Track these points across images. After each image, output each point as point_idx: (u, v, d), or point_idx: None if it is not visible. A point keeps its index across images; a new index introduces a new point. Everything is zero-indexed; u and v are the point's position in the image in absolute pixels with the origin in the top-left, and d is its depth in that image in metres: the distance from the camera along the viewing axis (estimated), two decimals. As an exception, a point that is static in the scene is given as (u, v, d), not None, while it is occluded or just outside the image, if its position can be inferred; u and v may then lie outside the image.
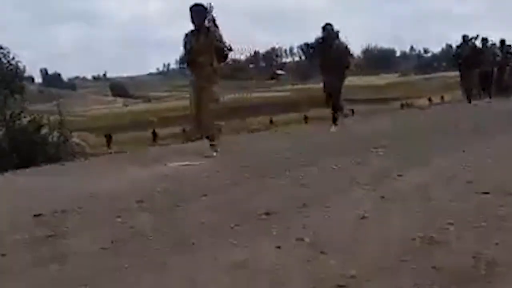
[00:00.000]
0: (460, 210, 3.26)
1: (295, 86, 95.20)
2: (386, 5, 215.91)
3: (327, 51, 9.54)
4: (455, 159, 5.09)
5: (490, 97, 15.90)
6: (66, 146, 15.98)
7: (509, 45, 17.03)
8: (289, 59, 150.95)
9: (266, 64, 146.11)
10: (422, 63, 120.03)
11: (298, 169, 5.02)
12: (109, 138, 30.53)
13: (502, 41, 16.87)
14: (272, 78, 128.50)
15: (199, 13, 6.66)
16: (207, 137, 6.83)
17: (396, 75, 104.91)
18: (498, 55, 16.41)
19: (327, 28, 9.52)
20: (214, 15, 6.77)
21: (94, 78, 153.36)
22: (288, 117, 35.44)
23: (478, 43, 15.80)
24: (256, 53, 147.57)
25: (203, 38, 6.68)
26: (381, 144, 6.30)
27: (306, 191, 4.10)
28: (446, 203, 3.48)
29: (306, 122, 26.29)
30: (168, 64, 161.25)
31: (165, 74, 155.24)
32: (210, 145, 6.71)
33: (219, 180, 4.80)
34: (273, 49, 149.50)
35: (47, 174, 6.36)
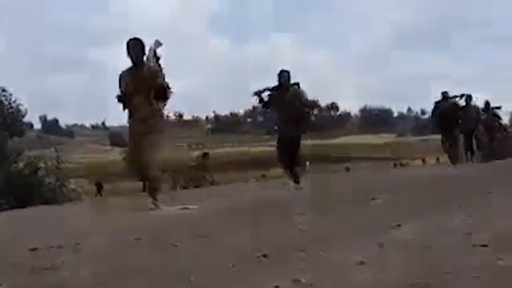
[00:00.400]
0: (458, 260, 3.26)
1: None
2: (385, 63, 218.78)
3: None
4: (453, 212, 5.09)
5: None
6: (62, 191, 15.98)
7: (497, 107, 16.62)
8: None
9: (264, 118, 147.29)
10: (419, 124, 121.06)
11: (295, 217, 5.03)
12: (99, 186, 30.13)
13: (487, 102, 16.40)
14: (269, 133, 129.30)
15: (135, 48, 6.03)
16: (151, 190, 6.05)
17: (394, 135, 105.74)
18: (482, 114, 15.62)
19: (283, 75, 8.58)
20: (159, 52, 6.25)
21: (92, 126, 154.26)
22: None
23: (461, 101, 14.71)
24: (254, 107, 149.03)
25: (140, 76, 5.98)
26: (380, 196, 6.31)
27: (304, 237, 4.10)
28: (444, 253, 3.48)
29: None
30: (167, 116, 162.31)
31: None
32: (153, 201, 5.90)
33: (216, 223, 4.81)
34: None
35: (43, 213, 6.35)
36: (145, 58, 6.07)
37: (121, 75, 6.15)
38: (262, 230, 4.45)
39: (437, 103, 14.40)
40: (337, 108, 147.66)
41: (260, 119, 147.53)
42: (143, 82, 5.94)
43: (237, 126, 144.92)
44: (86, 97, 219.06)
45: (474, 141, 15.16)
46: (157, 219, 5.10)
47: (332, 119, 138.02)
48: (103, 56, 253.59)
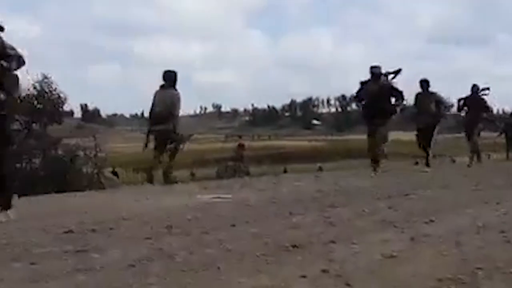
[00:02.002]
0: (491, 257, 3.21)
1: (330, 137, 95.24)
2: (421, 61, 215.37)
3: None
4: (488, 210, 5.02)
5: None
6: (99, 179, 16.24)
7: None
8: (325, 110, 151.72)
9: (303, 113, 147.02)
10: (459, 121, 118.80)
11: (327, 209, 5.02)
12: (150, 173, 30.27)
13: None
14: (308, 128, 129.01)
15: None
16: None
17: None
18: None
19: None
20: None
21: (131, 116, 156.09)
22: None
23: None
24: (292, 101, 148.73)
25: None
26: (415, 191, 6.27)
27: (334, 229, 4.08)
28: (476, 249, 3.42)
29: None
30: (205, 108, 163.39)
31: (201, 116, 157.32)
32: None
33: (247, 213, 4.83)
34: (310, 99, 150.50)
35: (80, 198, 6.47)
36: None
37: None
38: (292, 221, 4.46)
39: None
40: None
41: (299, 113, 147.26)
42: None
43: (275, 119, 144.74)
44: (126, 87, 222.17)
45: None
46: (189, 207, 5.14)
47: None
48: (143, 48, 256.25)
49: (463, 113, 14.30)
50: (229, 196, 6.06)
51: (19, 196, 6.20)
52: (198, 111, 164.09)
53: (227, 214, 4.82)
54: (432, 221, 4.35)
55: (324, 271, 2.85)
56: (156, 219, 4.52)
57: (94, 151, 16.96)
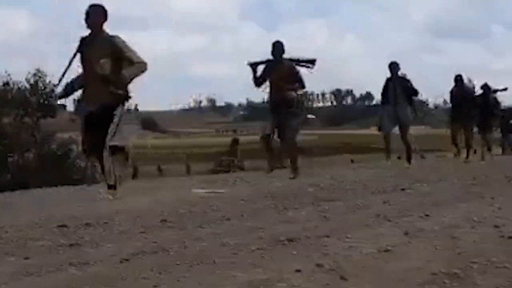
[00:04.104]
0: (486, 251, 3.21)
1: (325, 131, 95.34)
2: (421, 55, 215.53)
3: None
4: (483, 204, 5.02)
5: None
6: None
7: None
8: (320, 104, 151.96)
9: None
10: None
11: (321, 203, 5.02)
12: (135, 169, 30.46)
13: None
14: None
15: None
16: None
17: (429, 127, 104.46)
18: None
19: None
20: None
21: (126, 109, 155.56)
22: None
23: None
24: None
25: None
26: (411, 185, 6.27)
27: (329, 223, 4.09)
28: (471, 244, 3.43)
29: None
30: (200, 101, 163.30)
31: (196, 110, 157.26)
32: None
33: (242, 208, 4.82)
34: (305, 93, 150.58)
35: (73, 192, 6.45)
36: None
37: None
38: (287, 215, 4.46)
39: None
40: (372, 98, 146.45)
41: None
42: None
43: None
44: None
45: None
46: (183, 201, 5.13)
47: (366, 109, 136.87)
48: (137, 41, 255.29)
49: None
50: (224, 190, 6.05)
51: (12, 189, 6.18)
52: (192, 105, 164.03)
53: (221, 208, 4.81)
54: (427, 215, 4.35)
55: (318, 265, 2.85)
56: (150, 213, 4.51)
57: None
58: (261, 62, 8.45)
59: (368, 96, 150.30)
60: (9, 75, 17.27)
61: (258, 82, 8.50)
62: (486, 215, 4.35)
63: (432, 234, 3.67)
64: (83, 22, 5.69)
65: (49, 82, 17.64)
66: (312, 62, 8.44)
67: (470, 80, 14.52)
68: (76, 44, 5.73)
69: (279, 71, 8.24)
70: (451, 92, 13.32)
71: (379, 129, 11.36)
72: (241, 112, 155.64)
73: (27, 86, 17.15)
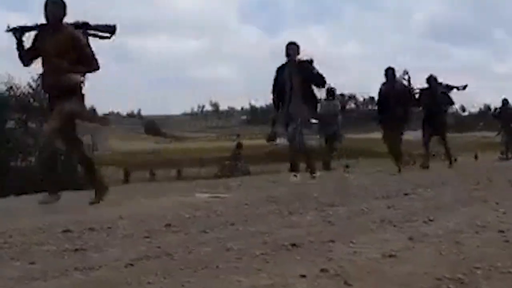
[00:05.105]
0: (490, 257, 3.21)
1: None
2: (423, 59, 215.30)
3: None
4: (487, 209, 5.02)
5: None
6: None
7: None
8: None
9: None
10: (458, 121, 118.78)
11: (325, 208, 5.02)
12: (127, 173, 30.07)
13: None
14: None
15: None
16: None
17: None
18: None
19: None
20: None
21: (128, 115, 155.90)
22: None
23: None
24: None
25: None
26: (415, 190, 6.26)
27: (333, 228, 4.08)
28: (475, 249, 3.42)
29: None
30: (203, 106, 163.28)
31: (198, 114, 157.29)
32: None
33: (246, 212, 4.83)
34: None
35: (76, 197, 6.46)
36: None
37: None
38: (291, 220, 4.45)
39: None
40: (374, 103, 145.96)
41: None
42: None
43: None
44: (121, 86, 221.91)
45: None
46: (186, 206, 5.14)
47: (368, 113, 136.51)
48: (140, 46, 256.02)
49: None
50: (227, 195, 6.05)
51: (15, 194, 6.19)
52: (195, 109, 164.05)
53: (225, 212, 4.82)
54: (431, 220, 4.34)
55: (323, 270, 2.85)
56: (154, 217, 4.52)
57: (90, 149, 16.94)
58: (30, 28, 5.74)
59: (371, 100, 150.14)
60: (12, 78, 17.34)
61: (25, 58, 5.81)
62: (490, 220, 4.34)
63: (436, 239, 3.66)
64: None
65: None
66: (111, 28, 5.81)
67: (406, 72, 11.46)
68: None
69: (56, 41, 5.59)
70: (380, 89, 11.29)
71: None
72: (244, 117, 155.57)
73: (30, 90, 17.20)
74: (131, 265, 2.97)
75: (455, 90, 12.33)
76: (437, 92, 11.89)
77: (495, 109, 17.56)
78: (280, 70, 8.59)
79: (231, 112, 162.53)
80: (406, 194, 6.05)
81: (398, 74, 11.10)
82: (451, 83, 12.40)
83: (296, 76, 8.37)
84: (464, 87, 12.42)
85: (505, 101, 17.43)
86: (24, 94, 17.10)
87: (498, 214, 4.65)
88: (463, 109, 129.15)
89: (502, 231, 3.89)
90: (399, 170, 10.34)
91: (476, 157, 18.66)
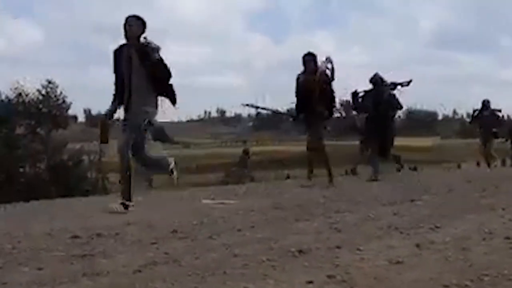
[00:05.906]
0: (496, 264, 3.21)
1: (334, 142, 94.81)
2: (430, 66, 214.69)
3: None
4: (494, 216, 5.01)
5: None
6: (104, 184, 16.29)
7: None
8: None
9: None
10: (464, 127, 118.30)
11: (332, 215, 5.02)
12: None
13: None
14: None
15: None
16: None
17: (438, 137, 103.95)
18: None
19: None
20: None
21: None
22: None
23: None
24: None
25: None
26: (421, 197, 6.25)
27: (340, 235, 4.09)
28: (482, 255, 3.42)
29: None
30: (209, 112, 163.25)
31: (205, 121, 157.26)
32: None
33: (252, 219, 4.83)
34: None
35: (85, 203, 6.49)
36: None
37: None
38: (298, 226, 4.46)
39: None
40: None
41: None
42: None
43: (279, 124, 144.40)
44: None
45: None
46: (194, 212, 5.15)
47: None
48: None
49: None
50: (234, 201, 6.06)
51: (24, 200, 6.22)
52: (202, 116, 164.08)
53: (232, 219, 4.83)
54: (437, 227, 4.34)
55: (329, 276, 2.86)
56: (162, 224, 4.54)
57: (98, 156, 17.03)
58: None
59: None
60: (21, 85, 17.46)
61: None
62: (497, 227, 4.33)
63: (443, 246, 3.66)
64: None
65: (60, 93, 17.82)
66: None
67: (329, 60, 8.77)
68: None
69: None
70: (297, 78, 8.77)
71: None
72: (250, 123, 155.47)
73: (40, 97, 17.32)
74: (139, 271, 2.99)
75: (399, 87, 10.46)
76: (384, 95, 10.12)
77: (474, 111, 15.07)
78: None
79: (237, 118, 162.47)
80: (412, 201, 6.04)
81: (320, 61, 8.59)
82: (395, 80, 10.53)
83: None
84: (408, 83, 10.56)
85: (486, 102, 15.09)
86: (33, 100, 17.21)
87: (504, 221, 4.64)
88: (469, 116, 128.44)
89: (508, 238, 3.88)
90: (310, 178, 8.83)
91: (478, 164, 18.28)
